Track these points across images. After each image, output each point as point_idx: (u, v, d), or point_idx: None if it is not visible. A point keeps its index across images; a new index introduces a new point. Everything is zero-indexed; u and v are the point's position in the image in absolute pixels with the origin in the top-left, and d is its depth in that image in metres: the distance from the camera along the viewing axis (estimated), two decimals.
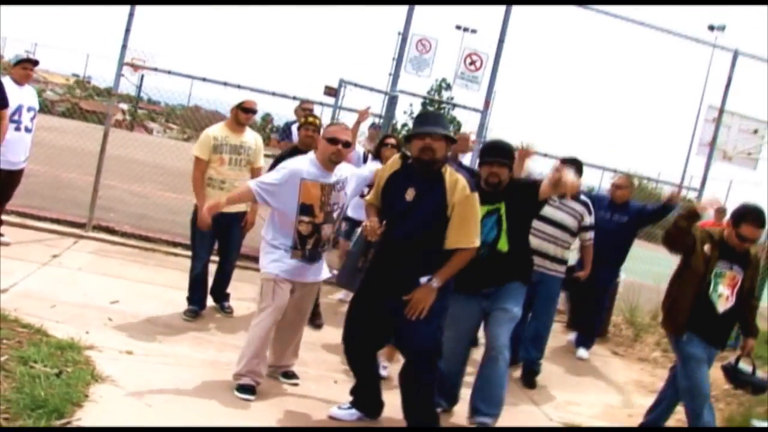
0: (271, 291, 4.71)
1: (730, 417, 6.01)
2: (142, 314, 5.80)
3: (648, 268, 11.42)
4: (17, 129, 6.62)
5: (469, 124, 10.17)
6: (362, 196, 6.12)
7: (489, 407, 4.78)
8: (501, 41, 8.89)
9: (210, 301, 6.30)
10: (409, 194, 4.31)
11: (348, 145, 4.85)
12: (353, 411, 4.59)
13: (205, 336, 5.68)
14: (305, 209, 4.70)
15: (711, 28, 30.49)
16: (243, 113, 6.08)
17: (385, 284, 4.35)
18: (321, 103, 9.10)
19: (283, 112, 9.59)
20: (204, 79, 8.50)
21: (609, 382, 6.90)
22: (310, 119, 6.08)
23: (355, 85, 9.09)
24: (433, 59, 9.36)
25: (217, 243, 6.27)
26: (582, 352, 7.45)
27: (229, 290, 6.46)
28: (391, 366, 5.37)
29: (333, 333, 6.38)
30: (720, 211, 12.68)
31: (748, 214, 4.83)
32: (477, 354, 5.19)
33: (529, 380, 6.23)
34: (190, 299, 6.12)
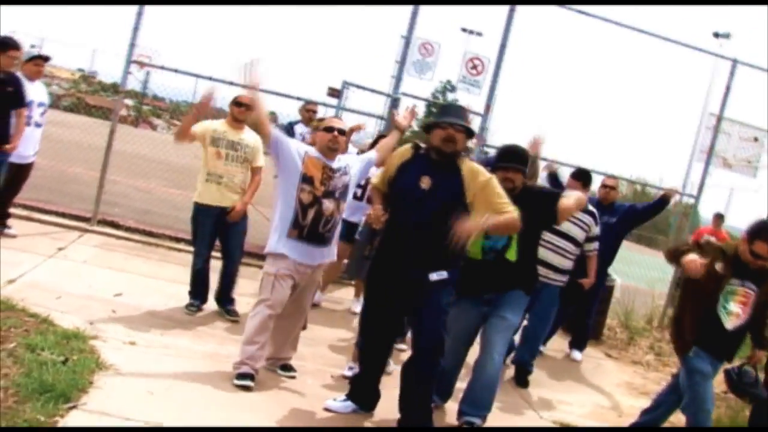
0: (270, 286, 4.87)
1: (717, 419, 6.12)
2: (145, 307, 5.94)
3: (644, 273, 11.58)
4: (27, 124, 6.78)
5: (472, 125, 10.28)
6: (355, 197, 6.28)
7: (478, 409, 4.90)
8: (503, 46, 9.04)
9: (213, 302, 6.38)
10: (425, 182, 4.38)
11: (343, 132, 5.07)
12: (348, 403, 4.72)
13: (206, 330, 5.83)
14: (306, 179, 4.86)
15: (716, 35, 30.50)
16: (236, 107, 6.10)
17: (393, 276, 4.45)
18: (324, 104, 9.24)
19: (287, 112, 9.71)
20: (210, 78, 8.62)
21: (601, 383, 7.03)
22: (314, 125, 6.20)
23: (358, 86, 9.26)
24: (436, 62, 9.50)
25: (220, 244, 6.35)
26: (575, 354, 7.58)
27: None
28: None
29: (331, 331, 6.55)
30: (718, 217, 12.81)
31: (762, 231, 4.69)
32: (471, 357, 5.30)
33: (521, 380, 6.35)
34: (192, 293, 6.25)
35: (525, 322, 6.33)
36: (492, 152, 8.89)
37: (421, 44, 9.34)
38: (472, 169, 4.43)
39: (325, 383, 5.19)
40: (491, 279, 4.85)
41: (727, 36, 30.81)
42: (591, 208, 6.54)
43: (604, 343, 8.52)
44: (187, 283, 6.30)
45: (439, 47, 9.43)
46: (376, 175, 4.90)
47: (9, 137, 6.32)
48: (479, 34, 31.28)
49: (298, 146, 5.04)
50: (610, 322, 8.97)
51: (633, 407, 6.34)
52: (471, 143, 7.09)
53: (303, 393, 4.91)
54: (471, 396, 4.95)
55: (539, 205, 4.89)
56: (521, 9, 9.00)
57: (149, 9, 8.39)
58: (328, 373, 5.41)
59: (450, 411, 5.13)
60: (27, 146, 6.85)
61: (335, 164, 5.00)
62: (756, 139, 10.44)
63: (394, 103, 9.24)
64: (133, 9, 8.34)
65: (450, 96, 30.81)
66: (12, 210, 7.35)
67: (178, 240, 8.32)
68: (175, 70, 8.40)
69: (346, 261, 6.85)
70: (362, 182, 6.33)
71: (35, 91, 6.86)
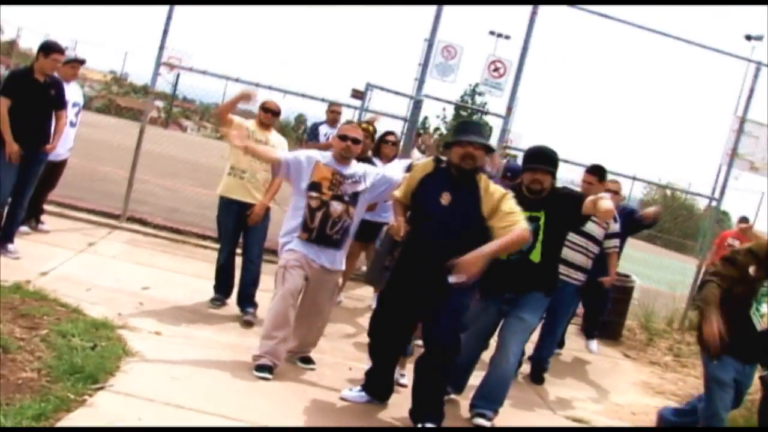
0: (281, 277, 5.07)
1: (732, 419, 6.16)
2: (171, 300, 6.15)
3: (663, 276, 11.61)
4: None
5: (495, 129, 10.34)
6: None
7: (490, 403, 5.02)
8: (525, 48, 9.16)
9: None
10: (445, 198, 4.51)
11: (357, 141, 5.24)
12: (363, 394, 4.87)
13: (229, 322, 6.03)
14: (314, 186, 5.07)
15: (748, 38, 30.20)
16: (263, 113, 6.33)
17: (413, 284, 4.55)
18: (348, 106, 9.41)
19: (313, 113, 9.93)
20: (237, 80, 8.85)
21: (617, 382, 7.08)
22: (363, 126, 6.38)
23: (381, 88, 9.41)
24: (459, 65, 9.62)
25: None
26: (592, 345, 7.62)
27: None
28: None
29: (352, 327, 6.71)
30: (743, 220, 12.75)
31: None
32: (487, 354, 5.42)
33: (537, 377, 6.43)
34: (216, 288, 6.43)
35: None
36: (518, 155, 9.01)
37: (443, 47, 9.46)
38: (488, 185, 4.55)
39: (343, 375, 5.33)
40: (513, 279, 4.93)
41: (760, 38, 30.47)
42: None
43: (623, 344, 8.56)
44: (212, 279, 6.48)
45: (461, 50, 9.55)
46: (398, 189, 5.00)
47: (50, 138, 6.57)
48: (507, 37, 31.38)
49: (309, 157, 5.21)
50: (629, 323, 9.01)
51: (648, 406, 6.42)
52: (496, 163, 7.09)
53: (320, 383, 5.07)
54: (484, 391, 5.08)
55: (565, 207, 4.95)
56: (545, 10, 9.11)
57: (179, 11, 8.65)
58: (347, 366, 5.56)
59: (463, 405, 5.24)
60: (61, 144, 7.10)
61: (347, 171, 5.18)
62: None
63: (417, 104, 9.39)
64: (163, 11, 8.60)
65: (478, 99, 30.92)
66: (45, 206, 7.62)
67: (204, 237, 8.54)
68: (204, 72, 8.63)
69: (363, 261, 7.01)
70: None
71: (70, 92, 7.10)
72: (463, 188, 4.52)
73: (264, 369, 4.91)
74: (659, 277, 11.51)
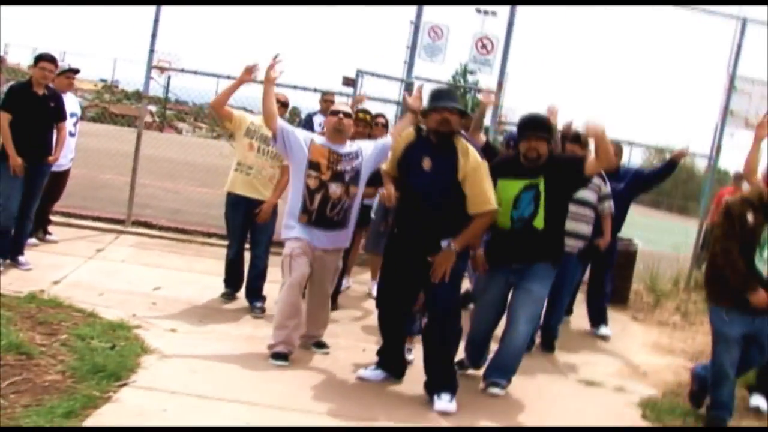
0: (288, 266, 5.16)
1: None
2: (183, 298, 6.26)
3: (666, 238, 11.71)
4: None
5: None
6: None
7: (502, 373, 5.14)
8: (510, 24, 9.25)
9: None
10: (426, 164, 4.71)
11: (348, 115, 5.35)
12: (379, 372, 4.99)
13: (242, 315, 6.15)
14: (313, 165, 5.15)
15: None
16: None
17: (407, 248, 4.75)
18: (340, 93, 9.47)
19: (306, 104, 9.98)
20: (228, 77, 8.91)
21: (627, 344, 7.16)
22: (360, 115, 6.33)
23: (372, 74, 9.48)
24: (446, 45, 9.67)
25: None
26: (603, 330, 7.40)
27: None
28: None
29: (362, 310, 6.81)
30: (738, 177, 12.76)
31: None
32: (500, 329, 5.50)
33: (547, 345, 6.51)
34: (226, 282, 6.53)
35: None
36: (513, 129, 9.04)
37: (430, 28, 9.52)
38: (466, 149, 4.69)
39: (357, 357, 5.43)
40: (519, 249, 5.00)
41: None
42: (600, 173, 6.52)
43: (631, 308, 8.65)
44: (221, 275, 6.58)
45: (448, 30, 9.61)
46: (386, 161, 5.15)
47: (52, 149, 6.66)
48: (494, 13, 31.28)
49: (304, 135, 5.33)
50: (635, 287, 9.10)
51: (658, 365, 6.54)
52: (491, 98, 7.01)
53: (336, 366, 5.19)
54: (496, 362, 5.19)
55: (567, 170, 5.03)
56: None
57: (165, 13, 8.69)
58: (360, 348, 5.67)
59: (478, 379, 5.30)
60: (63, 155, 7.17)
61: (343, 149, 5.25)
62: None
63: (408, 87, 9.45)
64: (150, 16, 8.65)
65: (470, 78, 30.89)
66: (51, 217, 7.73)
67: (210, 235, 8.65)
68: (195, 72, 8.71)
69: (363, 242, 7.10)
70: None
71: (68, 103, 7.17)
72: (442, 152, 4.70)
73: (280, 357, 5.02)
74: (663, 239, 11.60)
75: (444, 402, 4.60)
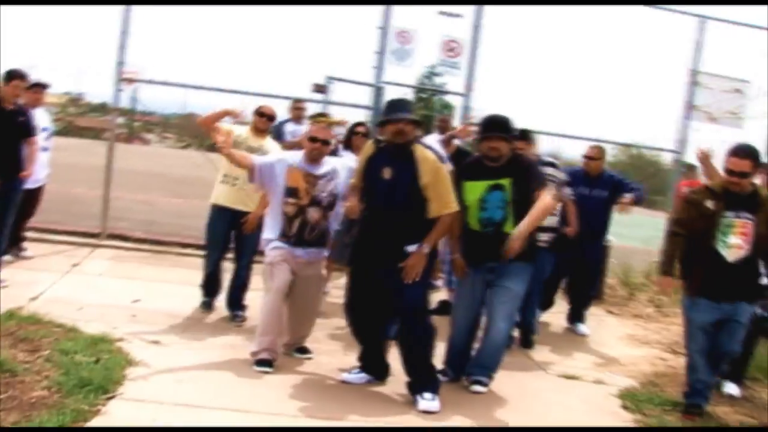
0: (270, 274, 5.23)
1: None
2: (163, 310, 6.25)
3: (636, 233, 11.92)
4: None
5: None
6: None
7: (484, 369, 5.23)
8: (477, 26, 9.36)
9: None
10: (386, 173, 4.82)
11: (327, 143, 5.39)
12: (362, 375, 5.05)
13: (223, 324, 6.17)
14: (290, 192, 5.22)
15: None
16: (259, 117, 6.28)
17: (373, 255, 4.84)
18: (311, 101, 9.52)
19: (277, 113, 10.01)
20: (199, 87, 8.96)
21: (603, 337, 7.29)
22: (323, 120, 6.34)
23: (341, 80, 9.56)
24: (415, 48, 9.76)
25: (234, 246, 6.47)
26: (581, 329, 7.43)
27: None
28: None
29: (340, 315, 6.81)
30: (689, 168, 12.70)
31: (733, 149, 4.92)
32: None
33: (526, 341, 6.56)
34: (205, 293, 6.52)
35: None
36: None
37: (397, 33, 9.58)
38: (425, 156, 4.81)
39: (340, 361, 5.48)
40: (492, 251, 5.06)
41: None
42: (546, 159, 6.56)
43: (606, 302, 8.77)
44: (199, 285, 6.57)
45: (416, 33, 9.70)
46: (353, 175, 5.23)
47: (22, 165, 6.62)
48: (458, 15, 31.47)
49: (280, 161, 5.34)
50: (609, 281, 9.24)
51: (635, 356, 6.67)
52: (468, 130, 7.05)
53: (320, 371, 5.24)
54: (477, 360, 5.29)
55: (524, 179, 5.11)
56: None
57: (134, 25, 8.66)
58: (342, 352, 5.72)
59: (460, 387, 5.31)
60: (37, 170, 7.13)
61: (320, 170, 5.31)
62: (738, 91, 10.63)
63: (379, 92, 9.53)
64: (115, 27, 8.61)
65: (437, 80, 31.01)
66: (25, 233, 7.67)
67: (186, 246, 8.64)
68: (164, 83, 8.70)
69: None
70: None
71: (38, 117, 7.15)
72: (400, 161, 4.80)
73: (264, 363, 5.06)
74: (633, 234, 11.80)
75: (427, 401, 4.68)
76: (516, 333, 6.47)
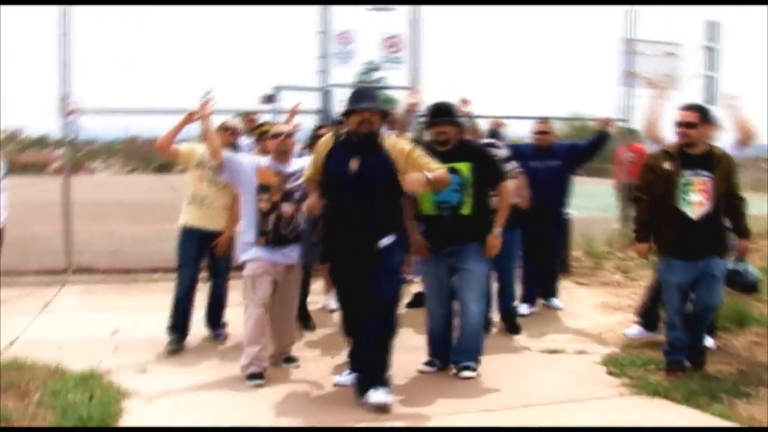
0: (251, 287, 5.27)
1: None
2: (143, 338, 6.21)
3: (593, 202, 12.17)
4: None
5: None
6: None
7: (468, 354, 5.34)
8: (415, 21, 9.49)
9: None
10: (353, 165, 4.70)
11: (290, 135, 5.47)
12: (354, 375, 5.01)
13: (206, 344, 6.18)
14: (263, 188, 5.27)
15: None
16: (224, 132, 6.12)
17: (345, 250, 4.78)
18: (261, 112, 9.48)
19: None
20: (147, 112, 8.91)
21: (577, 309, 7.45)
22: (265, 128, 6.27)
23: (289, 88, 9.57)
24: (357, 48, 9.83)
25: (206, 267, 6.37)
26: (555, 303, 7.54)
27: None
28: None
29: (319, 320, 6.87)
30: (628, 133, 12.80)
31: (684, 105, 5.23)
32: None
33: (511, 327, 6.60)
34: (171, 327, 6.08)
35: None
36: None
37: (338, 35, 9.64)
38: (393, 142, 4.83)
39: (328, 365, 5.55)
40: (449, 234, 5.22)
41: None
42: (486, 141, 6.59)
43: (573, 274, 8.93)
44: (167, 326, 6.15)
45: (356, 34, 9.76)
46: (307, 167, 5.14)
47: None
48: (391, 8, 31.56)
49: (250, 160, 5.44)
50: (574, 253, 9.41)
51: (611, 323, 6.86)
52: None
53: (310, 377, 5.30)
54: (460, 347, 5.40)
55: (482, 164, 5.30)
56: None
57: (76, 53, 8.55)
58: (328, 356, 5.78)
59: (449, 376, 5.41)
60: None
61: (289, 169, 5.37)
62: (671, 54, 10.93)
63: (326, 95, 9.58)
64: (54, 57, 8.50)
65: (375, 75, 31.12)
66: None
67: (154, 271, 8.57)
68: (115, 110, 8.65)
69: None
70: None
71: None
72: (368, 151, 4.74)
73: (255, 376, 5.11)
74: (590, 204, 12.03)
75: (381, 394, 4.59)
76: (495, 316, 6.60)
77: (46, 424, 4.10)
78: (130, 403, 4.57)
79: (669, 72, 10.94)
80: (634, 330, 6.19)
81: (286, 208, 5.28)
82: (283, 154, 5.38)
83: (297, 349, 5.78)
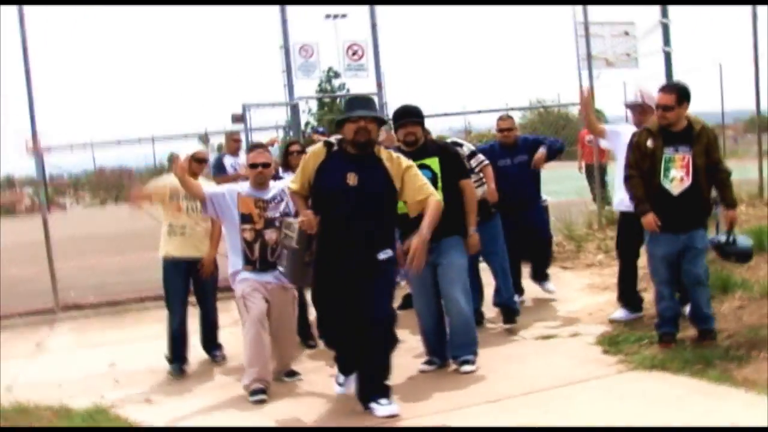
0: (244, 306, 5.31)
1: None
2: (142, 368, 6.24)
3: (567, 186, 12.35)
4: None
5: None
6: None
7: (464, 347, 5.40)
8: (374, 26, 9.61)
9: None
10: (351, 179, 4.58)
11: (267, 165, 5.49)
12: (351, 379, 4.96)
13: (205, 368, 6.23)
14: (245, 218, 5.36)
15: None
16: (196, 163, 6.08)
17: (341, 266, 4.64)
18: (233, 132, 9.53)
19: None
20: (118, 142, 8.91)
21: (565, 293, 7.56)
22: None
23: (258, 105, 9.65)
24: (319, 60, 9.95)
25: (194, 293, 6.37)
26: (548, 286, 7.59)
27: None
28: None
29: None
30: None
31: (661, 85, 5.43)
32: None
33: (510, 319, 6.55)
34: (171, 358, 6.14)
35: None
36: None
37: (299, 48, 9.75)
38: (391, 156, 4.74)
39: (329, 375, 5.54)
40: None
41: None
42: (451, 140, 6.64)
43: (556, 259, 9.01)
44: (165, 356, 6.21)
45: (317, 45, 9.87)
46: (292, 180, 4.99)
47: None
48: (344, 15, 31.67)
49: (229, 191, 5.48)
50: (556, 239, 9.50)
51: (600, 303, 6.98)
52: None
53: (315, 388, 5.37)
54: (454, 341, 5.47)
55: (447, 159, 5.46)
56: None
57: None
58: (328, 365, 5.77)
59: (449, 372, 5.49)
60: None
61: (268, 195, 5.44)
62: (627, 33, 11.13)
63: (294, 109, 9.68)
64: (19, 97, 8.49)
65: (336, 82, 31.13)
66: None
67: (143, 300, 8.56)
68: (86, 144, 8.64)
69: None
70: None
71: None
72: (366, 165, 4.63)
73: (258, 392, 5.14)
74: (565, 188, 12.20)
75: (385, 406, 4.59)
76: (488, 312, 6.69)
77: None
78: None
79: (627, 51, 11.14)
80: (620, 313, 6.29)
81: (270, 234, 5.35)
82: (261, 184, 5.46)
83: (298, 362, 5.85)
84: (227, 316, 6.95)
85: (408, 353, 5.65)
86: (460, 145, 6.43)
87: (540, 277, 7.66)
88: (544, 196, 8.81)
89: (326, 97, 29.07)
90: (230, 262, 5.51)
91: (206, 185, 5.53)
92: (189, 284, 6.27)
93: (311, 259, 4.73)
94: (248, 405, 5.07)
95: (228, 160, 8.30)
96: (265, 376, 5.26)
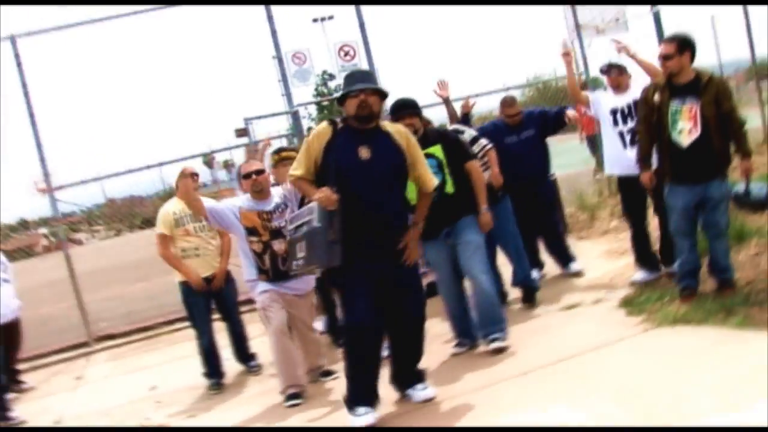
0: (266, 317, 5.43)
1: None
2: (182, 387, 6.41)
3: (573, 158, 12.43)
4: None
5: None
6: None
7: (493, 325, 5.45)
8: (362, 25, 9.71)
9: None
10: (364, 153, 4.44)
11: (260, 172, 5.54)
12: (369, 411, 4.57)
13: (242, 378, 6.39)
14: (250, 231, 5.42)
15: None
16: (193, 179, 6.05)
17: (373, 245, 4.46)
18: (237, 146, 9.70)
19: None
20: (128, 171, 9.07)
21: (584, 262, 7.52)
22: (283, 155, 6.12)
23: (259, 117, 9.77)
24: (313, 65, 10.05)
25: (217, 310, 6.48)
26: (573, 267, 7.40)
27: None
28: None
29: None
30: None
31: (666, 37, 5.45)
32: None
33: (528, 298, 6.62)
34: (207, 374, 6.29)
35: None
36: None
37: (292, 56, 9.85)
38: (400, 130, 4.66)
39: None
40: (442, 215, 5.33)
41: None
42: (451, 128, 6.68)
43: (572, 231, 9.12)
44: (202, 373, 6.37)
45: (309, 52, 9.97)
46: (293, 168, 4.68)
47: None
48: (331, 17, 31.76)
49: (231, 205, 5.53)
50: (568, 210, 9.60)
51: (619, 267, 7.05)
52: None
53: None
54: (480, 320, 5.53)
55: (449, 145, 5.53)
56: None
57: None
58: None
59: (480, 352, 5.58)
60: (5, 305, 7.12)
61: (270, 205, 5.49)
62: None
63: (295, 117, 9.80)
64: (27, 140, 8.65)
65: (332, 84, 31.23)
66: (18, 366, 7.69)
67: (172, 322, 8.75)
68: (95, 179, 8.79)
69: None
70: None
71: None
72: (374, 138, 4.52)
73: (294, 397, 5.28)
74: (571, 161, 12.27)
75: (423, 391, 4.68)
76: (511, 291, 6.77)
77: None
78: None
79: (616, 16, 11.16)
80: (639, 275, 6.35)
81: (278, 245, 5.36)
82: (259, 193, 5.49)
83: (332, 361, 5.92)
84: (257, 327, 7.03)
85: (437, 339, 5.76)
86: (462, 132, 6.44)
87: (563, 259, 7.50)
88: (551, 172, 8.88)
89: (324, 101, 29.19)
90: (245, 269, 5.61)
91: (205, 201, 5.57)
92: (210, 302, 6.38)
93: (336, 237, 4.38)
94: (288, 411, 5.19)
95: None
96: (298, 381, 5.39)
